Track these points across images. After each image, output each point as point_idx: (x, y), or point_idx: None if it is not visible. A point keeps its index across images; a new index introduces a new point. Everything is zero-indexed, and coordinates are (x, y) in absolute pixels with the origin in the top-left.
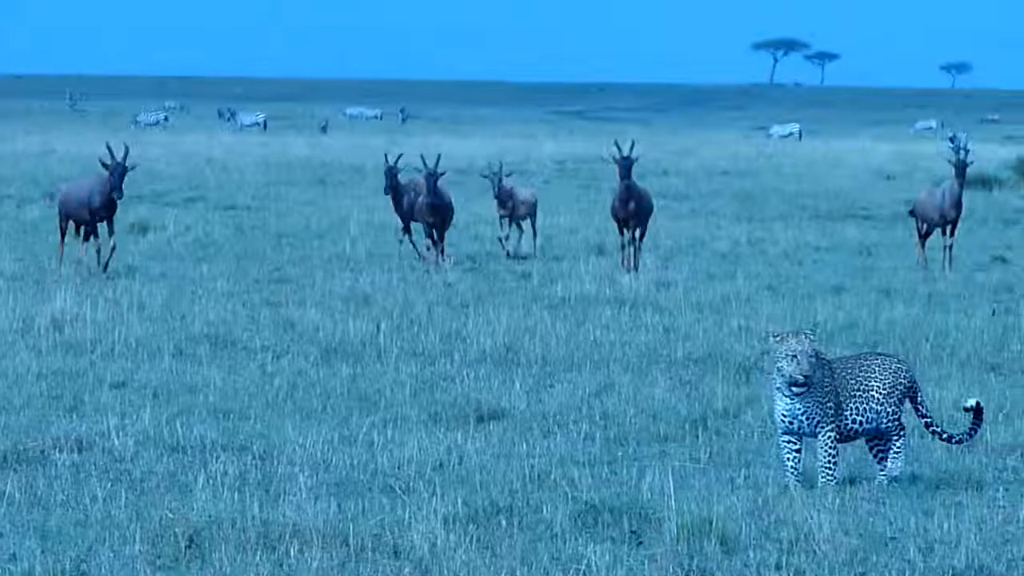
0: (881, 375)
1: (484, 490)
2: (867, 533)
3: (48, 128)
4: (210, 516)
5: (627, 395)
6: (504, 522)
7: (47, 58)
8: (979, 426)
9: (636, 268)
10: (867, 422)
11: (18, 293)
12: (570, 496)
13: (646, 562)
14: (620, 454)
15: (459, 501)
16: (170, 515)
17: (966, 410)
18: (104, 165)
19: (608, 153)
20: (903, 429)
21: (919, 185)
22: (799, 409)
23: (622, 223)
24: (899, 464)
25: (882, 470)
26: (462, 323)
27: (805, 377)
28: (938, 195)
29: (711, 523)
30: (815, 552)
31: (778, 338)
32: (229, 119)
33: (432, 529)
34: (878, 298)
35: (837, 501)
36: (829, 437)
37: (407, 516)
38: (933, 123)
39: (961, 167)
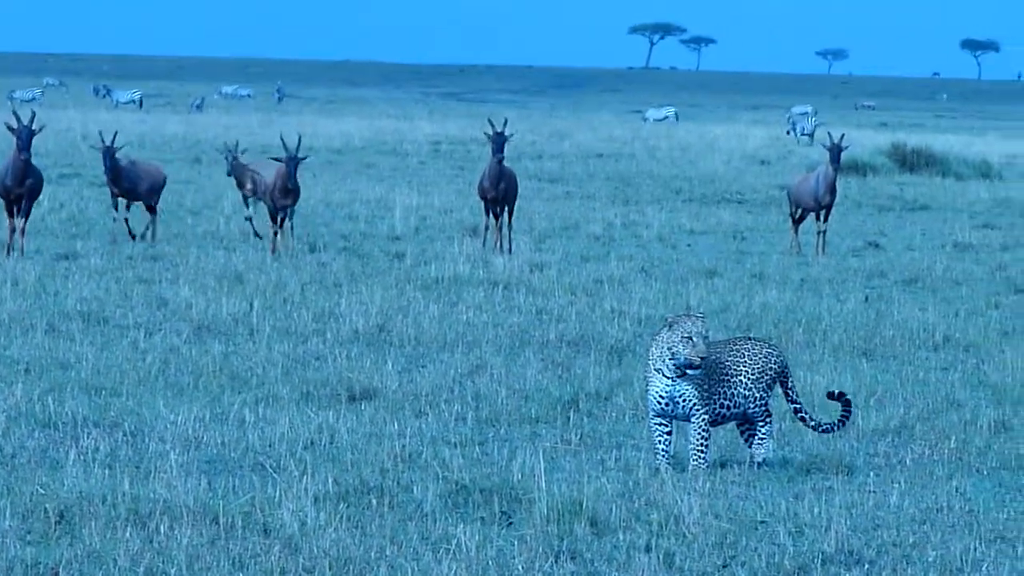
0: (751, 360)
1: (355, 469)
2: (737, 517)
3: None
4: (80, 492)
5: (499, 376)
6: (374, 501)
7: None
8: (848, 415)
9: (510, 250)
10: (735, 406)
11: None
12: (441, 476)
13: (516, 542)
14: (491, 435)
15: (329, 480)
16: (40, 491)
17: (830, 397)
18: (10, 129)
19: (483, 131)
20: (770, 416)
21: (794, 170)
22: (678, 392)
23: (490, 203)
24: (764, 449)
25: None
26: (335, 302)
27: (701, 359)
28: (812, 180)
29: (581, 505)
30: (685, 535)
31: (672, 319)
32: (105, 96)
33: (302, 507)
34: (751, 282)
35: (707, 484)
36: (702, 420)
37: (277, 494)
38: (809, 109)
39: (836, 153)
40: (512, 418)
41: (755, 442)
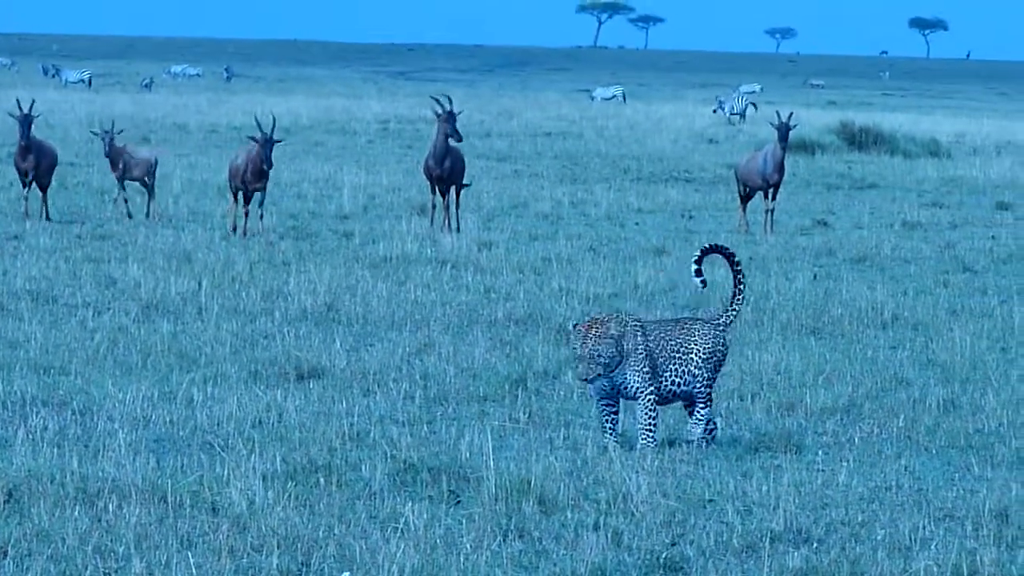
0: (703, 340)
1: (303, 448)
2: (685, 495)
3: None
4: (29, 471)
5: (447, 355)
6: (322, 480)
7: None
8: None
9: (458, 229)
10: (685, 384)
11: None
12: (389, 455)
13: (464, 521)
14: (439, 413)
15: (278, 458)
16: None
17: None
18: None
19: (431, 108)
20: (711, 400)
21: (742, 149)
22: (618, 381)
23: (436, 181)
24: (699, 430)
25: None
26: (283, 281)
27: (583, 380)
28: (760, 159)
29: (529, 483)
30: (633, 513)
31: (575, 329)
32: (54, 76)
33: (250, 486)
34: None
35: (656, 463)
36: (649, 400)
37: (226, 473)
38: (757, 87)
39: (784, 131)
40: (460, 397)
41: (691, 421)
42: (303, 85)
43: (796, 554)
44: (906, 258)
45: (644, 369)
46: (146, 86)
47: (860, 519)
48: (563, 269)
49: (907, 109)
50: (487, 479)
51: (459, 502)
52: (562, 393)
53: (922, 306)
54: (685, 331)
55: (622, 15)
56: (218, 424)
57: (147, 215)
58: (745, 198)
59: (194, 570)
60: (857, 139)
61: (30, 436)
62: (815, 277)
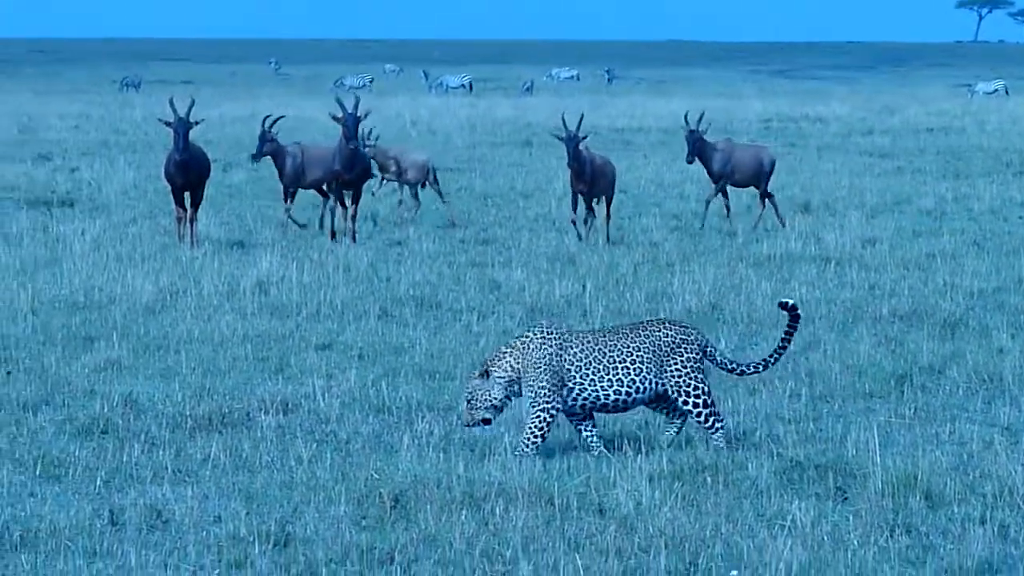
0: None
1: (689, 448)
2: None
3: (253, 92)
4: (415, 476)
5: (832, 352)
6: (709, 479)
7: (251, 23)
8: (788, 339)
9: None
10: (638, 391)
11: (223, 256)
12: (775, 453)
13: (851, 517)
14: (825, 411)
15: (664, 459)
16: (375, 476)
17: (782, 307)
18: (335, 118)
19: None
20: (701, 401)
21: None
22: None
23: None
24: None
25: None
26: (667, 282)
27: (466, 425)
28: None
29: (916, 478)
30: (1020, 506)
31: (473, 375)
32: (436, 83)
33: (637, 487)
34: None
35: None
36: (543, 413)
37: (612, 475)
38: None
39: None
40: (846, 393)
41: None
42: (682, 86)
43: None
44: None
45: (542, 383)
46: (527, 90)
47: None
48: (947, 264)
49: None
50: (873, 475)
51: (846, 499)
52: (947, 388)
53: None
54: (642, 337)
55: (1002, 9)
56: (604, 426)
57: (450, 222)
58: None
59: (581, 572)
60: None
61: (416, 441)
62: None
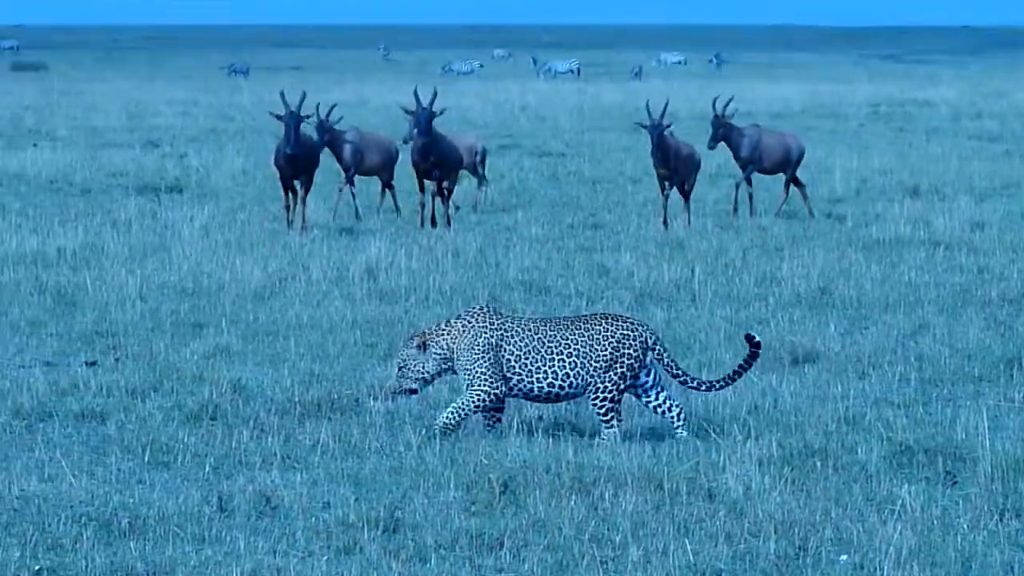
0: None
1: (798, 432)
2: None
3: (361, 78)
4: (524, 461)
5: (941, 336)
6: (818, 463)
7: (360, 9)
8: (745, 368)
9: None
10: (570, 385)
11: (332, 242)
12: (884, 437)
13: (960, 501)
14: (934, 395)
15: (773, 443)
16: (484, 461)
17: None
18: (408, 112)
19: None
20: (607, 402)
21: None
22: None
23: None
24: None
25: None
26: (776, 266)
27: (393, 392)
28: None
29: None
30: None
31: (411, 339)
32: (544, 68)
33: (746, 471)
34: None
35: None
36: (477, 395)
37: (721, 459)
38: None
39: None
40: (955, 377)
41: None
42: (791, 71)
43: None
44: None
45: (481, 367)
46: (636, 75)
47: None
48: None
49: None
50: (983, 459)
51: (955, 482)
52: None
53: None
54: (582, 331)
55: None
56: (713, 410)
57: (474, 205)
58: None
59: (691, 556)
60: None
61: (524, 427)
62: None
